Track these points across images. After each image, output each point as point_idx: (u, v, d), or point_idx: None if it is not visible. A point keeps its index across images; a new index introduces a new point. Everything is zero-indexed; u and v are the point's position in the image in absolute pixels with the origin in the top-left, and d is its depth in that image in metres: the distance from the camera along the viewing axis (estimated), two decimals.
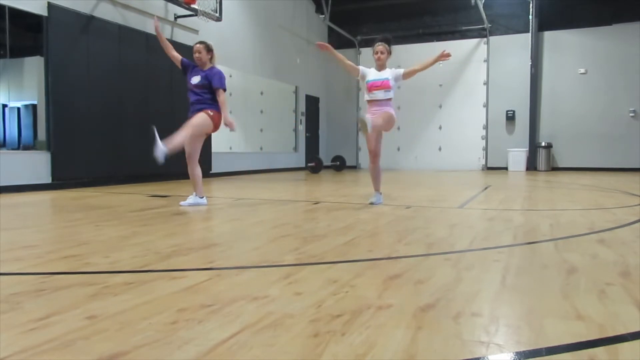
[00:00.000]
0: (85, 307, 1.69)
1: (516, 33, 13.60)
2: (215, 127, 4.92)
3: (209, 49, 4.97)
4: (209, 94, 4.86)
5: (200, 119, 4.78)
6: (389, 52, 5.01)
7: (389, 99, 4.93)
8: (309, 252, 2.64)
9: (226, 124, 5.04)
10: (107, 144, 7.55)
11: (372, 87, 4.92)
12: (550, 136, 13.40)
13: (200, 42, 5.01)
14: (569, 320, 1.57)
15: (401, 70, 4.98)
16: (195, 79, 4.88)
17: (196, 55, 4.92)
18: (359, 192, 6.45)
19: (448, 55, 4.83)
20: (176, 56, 5.01)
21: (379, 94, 4.89)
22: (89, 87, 7.19)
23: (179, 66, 5.04)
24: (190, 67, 4.98)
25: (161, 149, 4.36)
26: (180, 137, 4.60)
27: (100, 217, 4.04)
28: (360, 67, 5.09)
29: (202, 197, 4.92)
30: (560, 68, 13.29)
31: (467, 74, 14.16)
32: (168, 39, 8.60)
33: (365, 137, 4.72)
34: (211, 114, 4.83)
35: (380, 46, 4.98)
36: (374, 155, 5.08)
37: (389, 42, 5.04)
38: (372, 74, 4.98)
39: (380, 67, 5.00)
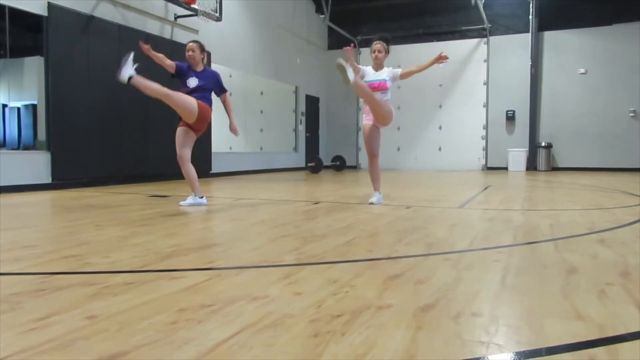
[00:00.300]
0: (85, 307, 1.69)
1: (516, 33, 13.60)
2: (200, 119, 4.69)
3: (202, 49, 4.88)
4: (203, 97, 4.76)
5: (188, 97, 4.62)
6: (387, 51, 4.96)
7: (386, 100, 4.89)
8: (309, 252, 2.64)
9: (232, 129, 5.04)
10: (107, 144, 7.55)
11: (370, 87, 4.84)
12: (550, 136, 13.40)
13: (194, 41, 4.91)
14: (569, 320, 1.57)
15: (398, 70, 4.94)
16: (193, 82, 4.76)
17: (189, 53, 4.81)
18: (359, 192, 6.45)
19: (445, 57, 4.78)
20: (170, 64, 4.77)
21: (376, 95, 4.82)
22: (89, 87, 7.19)
23: (172, 72, 4.81)
24: (184, 69, 4.81)
25: (129, 71, 4.20)
26: (156, 86, 4.39)
27: (100, 217, 4.04)
28: (360, 67, 5.04)
29: (201, 197, 4.92)
30: (560, 68, 13.29)
31: (467, 74, 14.16)
32: (167, 39, 8.63)
33: (347, 87, 4.42)
34: (199, 102, 4.68)
35: (378, 45, 4.93)
36: (372, 155, 5.06)
37: (387, 41, 4.99)
38: (369, 74, 4.93)
39: (378, 66, 4.95)
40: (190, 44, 4.87)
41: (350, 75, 4.30)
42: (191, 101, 4.62)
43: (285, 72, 13.06)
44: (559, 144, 13.35)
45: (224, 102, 4.99)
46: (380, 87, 4.82)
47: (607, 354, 1.32)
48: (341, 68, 4.25)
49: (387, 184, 7.79)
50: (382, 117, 4.88)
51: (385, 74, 4.89)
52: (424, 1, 14.33)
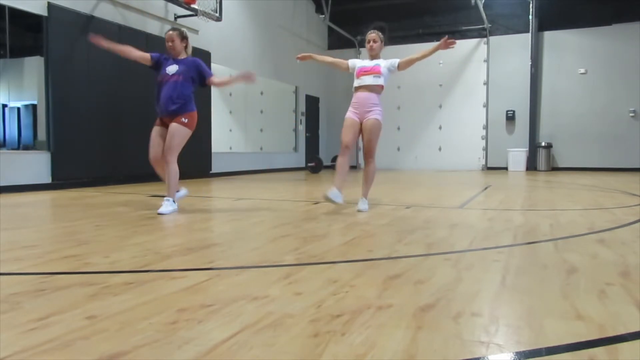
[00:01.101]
0: (85, 307, 1.69)
1: (516, 33, 13.60)
2: (193, 130, 4.40)
3: (183, 37, 4.41)
4: (187, 88, 4.32)
5: (175, 139, 4.26)
6: (383, 41, 4.64)
7: (378, 86, 4.51)
8: (309, 252, 2.64)
9: (245, 78, 4.42)
10: (107, 144, 7.55)
11: (360, 72, 4.53)
12: (550, 136, 13.40)
13: (173, 29, 4.46)
14: (569, 320, 1.57)
15: (396, 60, 4.58)
16: (172, 68, 4.31)
17: (169, 44, 4.36)
18: (359, 192, 6.43)
19: (452, 42, 4.35)
20: (142, 56, 4.40)
21: (367, 79, 4.48)
22: (89, 87, 7.19)
23: (149, 64, 4.44)
24: (161, 59, 4.42)
25: (174, 205, 4.27)
26: (174, 174, 4.29)
27: (100, 217, 4.04)
28: (350, 60, 4.74)
29: (174, 201, 4.39)
30: (560, 68, 13.29)
31: (467, 74, 14.16)
32: None
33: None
34: (185, 121, 4.29)
35: (373, 34, 4.60)
36: (345, 147, 4.49)
37: (383, 31, 4.67)
38: (363, 63, 4.63)
39: (373, 57, 4.63)
40: (169, 33, 4.41)
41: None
42: (184, 134, 4.32)
43: (285, 72, 13.06)
44: (559, 144, 13.35)
45: (216, 84, 4.50)
46: (372, 71, 4.48)
47: (607, 354, 1.32)
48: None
49: (388, 184, 7.79)
50: (375, 140, 4.56)
51: (380, 61, 4.56)
52: (424, 1, 14.33)
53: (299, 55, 4.88)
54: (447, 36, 4.43)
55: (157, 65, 4.43)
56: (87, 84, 7.17)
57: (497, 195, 6.20)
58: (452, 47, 4.41)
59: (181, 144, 4.34)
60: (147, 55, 4.42)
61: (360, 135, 4.61)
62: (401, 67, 4.58)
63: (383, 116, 4.60)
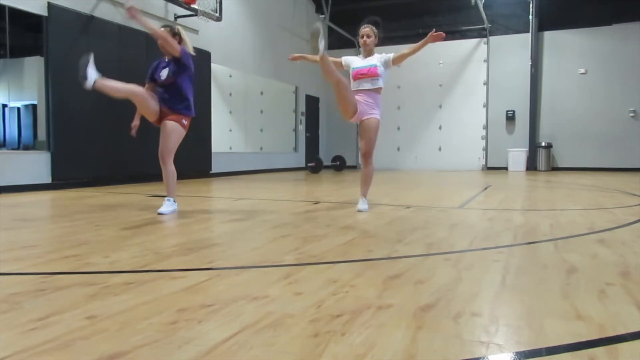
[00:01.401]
0: (85, 307, 1.69)
1: (516, 33, 13.60)
2: (186, 132, 4.35)
3: (174, 33, 4.27)
4: (185, 89, 4.24)
5: (172, 138, 4.21)
6: (377, 36, 4.55)
7: (378, 89, 4.46)
8: (309, 252, 2.64)
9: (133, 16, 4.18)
10: (107, 144, 7.55)
11: (357, 75, 4.43)
12: (550, 136, 13.40)
13: (164, 27, 4.33)
14: (569, 320, 1.57)
15: (390, 55, 4.51)
16: (164, 73, 4.21)
17: (160, 42, 4.20)
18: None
19: (439, 36, 4.28)
20: (147, 91, 4.29)
21: (366, 84, 4.40)
22: None
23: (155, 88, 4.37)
24: (154, 69, 4.35)
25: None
26: (171, 175, 4.23)
27: (100, 217, 4.04)
28: (343, 58, 4.65)
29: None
30: (560, 68, 13.30)
31: (467, 74, 14.17)
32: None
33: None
34: (185, 123, 4.27)
35: (366, 29, 4.53)
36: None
37: (377, 25, 4.59)
38: (357, 62, 4.53)
39: (367, 52, 4.54)
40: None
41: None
42: (180, 134, 4.25)
43: (285, 72, 13.05)
44: (558, 144, 13.35)
45: (158, 36, 4.16)
46: (369, 74, 4.38)
47: (607, 354, 1.32)
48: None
49: (388, 184, 7.79)
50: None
51: (375, 59, 4.47)
52: (424, 1, 14.32)
53: (290, 57, 4.83)
54: (434, 29, 4.35)
55: (155, 77, 4.35)
56: None
57: (497, 195, 6.20)
58: (441, 40, 4.34)
59: (177, 144, 4.31)
60: (147, 85, 4.36)
61: (359, 136, 4.61)
62: (395, 62, 4.52)
63: (382, 116, 4.57)
